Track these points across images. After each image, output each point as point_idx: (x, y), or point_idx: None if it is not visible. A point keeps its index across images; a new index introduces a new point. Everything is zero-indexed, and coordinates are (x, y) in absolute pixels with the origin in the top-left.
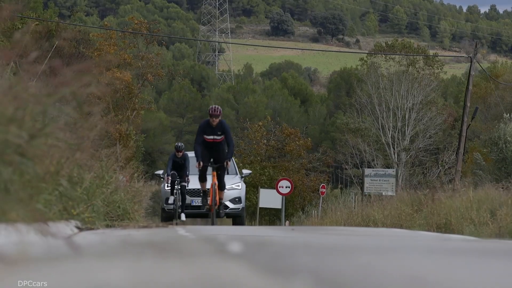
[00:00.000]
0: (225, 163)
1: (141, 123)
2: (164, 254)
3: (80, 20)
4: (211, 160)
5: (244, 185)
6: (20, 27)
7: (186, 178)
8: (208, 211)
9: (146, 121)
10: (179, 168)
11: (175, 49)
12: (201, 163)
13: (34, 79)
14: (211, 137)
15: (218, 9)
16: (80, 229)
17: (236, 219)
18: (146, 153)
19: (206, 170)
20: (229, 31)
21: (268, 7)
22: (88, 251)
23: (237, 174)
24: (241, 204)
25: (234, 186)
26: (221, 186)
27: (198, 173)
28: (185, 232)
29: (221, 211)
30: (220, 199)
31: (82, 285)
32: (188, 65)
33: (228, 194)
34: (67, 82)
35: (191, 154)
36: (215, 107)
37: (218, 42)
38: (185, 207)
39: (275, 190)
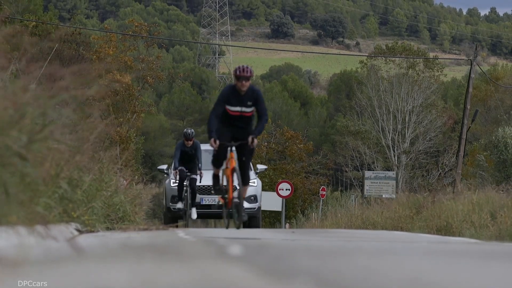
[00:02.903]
0: (249, 139)
1: (141, 125)
2: (164, 257)
3: (80, 23)
4: (232, 141)
5: (260, 182)
6: (20, 29)
7: (199, 171)
8: (224, 208)
9: (146, 124)
10: (189, 160)
11: (175, 51)
12: (217, 141)
13: (34, 82)
14: (238, 109)
15: (218, 11)
16: (80, 231)
17: (251, 220)
18: (146, 156)
19: (225, 152)
20: (229, 34)
21: (268, 10)
22: (88, 254)
23: (251, 170)
24: (257, 203)
25: (249, 182)
26: (245, 180)
27: (208, 160)
28: (185, 234)
29: (243, 214)
30: (243, 197)
31: (83, 287)
32: (188, 67)
33: None
34: (67, 86)
35: (204, 146)
36: (244, 66)
37: (218, 45)
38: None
39: (275, 193)
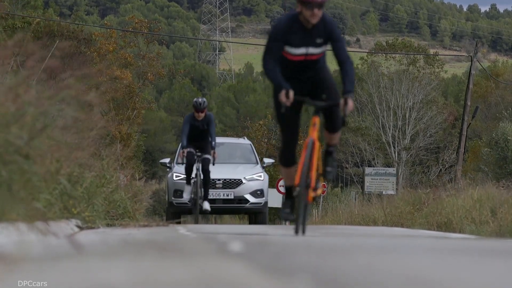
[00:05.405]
0: (342, 102)
1: (142, 122)
2: (164, 254)
3: (80, 19)
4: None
5: (266, 176)
6: (20, 26)
7: (212, 151)
8: (300, 203)
9: (146, 121)
10: (200, 137)
11: (176, 48)
12: (291, 93)
13: (35, 79)
14: (302, 51)
15: (219, 8)
16: (80, 228)
17: (257, 216)
18: (146, 152)
19: (298, 115)
20: (229, 30)
21: (269, 6)
22: (88, 251)
23: (257, 163)
24: (264, 198)
25: (256, 176)
26: (336, 126)
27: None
28: (186, 231)
29: (329, 169)
30: (332, 145)
31: (83, 285)
32: (188, 64)
33: (249, 186)
34: (68, 86)
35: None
36: None
37: (219, 41)
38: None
39: (275, 190)
